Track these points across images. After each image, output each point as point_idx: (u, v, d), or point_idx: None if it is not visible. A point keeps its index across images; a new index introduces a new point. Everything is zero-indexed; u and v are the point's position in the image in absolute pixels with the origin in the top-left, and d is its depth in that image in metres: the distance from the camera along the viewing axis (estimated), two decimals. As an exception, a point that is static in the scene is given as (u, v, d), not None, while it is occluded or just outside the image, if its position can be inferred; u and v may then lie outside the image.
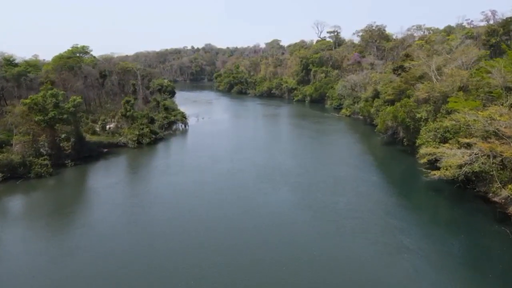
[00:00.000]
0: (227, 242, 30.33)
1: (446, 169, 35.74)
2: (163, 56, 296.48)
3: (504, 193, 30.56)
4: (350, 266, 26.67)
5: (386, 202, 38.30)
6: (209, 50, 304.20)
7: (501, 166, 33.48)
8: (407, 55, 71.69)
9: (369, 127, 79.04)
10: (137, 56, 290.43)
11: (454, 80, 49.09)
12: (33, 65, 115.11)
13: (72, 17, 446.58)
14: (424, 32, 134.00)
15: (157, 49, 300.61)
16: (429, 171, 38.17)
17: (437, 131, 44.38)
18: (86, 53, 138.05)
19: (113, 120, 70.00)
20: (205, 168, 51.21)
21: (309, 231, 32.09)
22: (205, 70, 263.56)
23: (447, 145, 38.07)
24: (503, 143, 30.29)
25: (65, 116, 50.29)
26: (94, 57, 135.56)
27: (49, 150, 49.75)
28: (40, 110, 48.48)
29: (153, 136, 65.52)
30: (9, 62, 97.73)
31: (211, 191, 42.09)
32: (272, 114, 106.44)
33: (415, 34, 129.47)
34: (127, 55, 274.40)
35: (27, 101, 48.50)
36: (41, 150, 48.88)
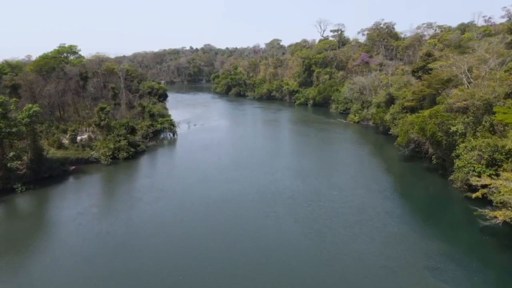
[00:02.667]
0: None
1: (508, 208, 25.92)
2: (160, 57, 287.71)
3: None
4: None
5: (426, 250, 28.43)
6: (208, 50, 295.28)
7: None
8: (429, 54, 61.83)
9: (382, 136, 69.23)
10: (135, 57, 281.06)
11: (499, 84, 39.30)
12: (15, 66, 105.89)
13: (72, 18, 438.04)
14: (435, 30, 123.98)
15: (155, 50, 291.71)
16: (484, 211, 28.25)
17: (483, 150, 34.57)
18: (74, 53, 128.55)
19: (87, 129, 60.18)
20: (191, 193, 41.54)
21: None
22: (203, 71, 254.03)
23: (506, 174, 28.22)
24: None
25: (15, 129, 40.49)
26: (83, 57, 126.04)
27: (-4, 171, 40.04)
28: (-18, 122, 38.83)
29: (132, 149, 55.58)
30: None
31: (198, 232, 32.43)
32: (272, 120, 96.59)
33: (425, 33, 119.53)
34: (124, 55, 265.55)
35: (-37, 112, 38.80)
36: (-16, 172, 39.17)
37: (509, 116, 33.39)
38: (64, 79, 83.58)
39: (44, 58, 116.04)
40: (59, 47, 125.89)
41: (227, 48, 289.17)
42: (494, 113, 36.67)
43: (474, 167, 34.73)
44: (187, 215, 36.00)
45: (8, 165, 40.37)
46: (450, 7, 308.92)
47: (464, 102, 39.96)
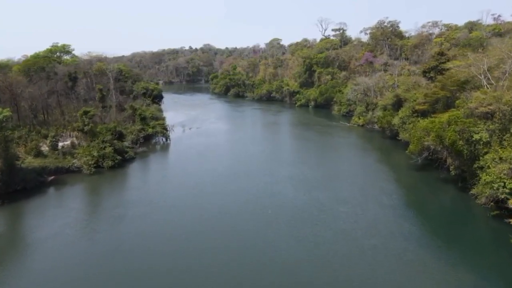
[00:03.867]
0: None
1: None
2: (159, 57, 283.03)
3: None
4: None
5: (454, 282, 23.80)
6: (207, 50, 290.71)
7: None
8: (441, 54, 57.12)
9: (390, 141, 64.57)
10: (133, 57, 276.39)
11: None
12: (4, 66, 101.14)
13: (72, 18, 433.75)
14: (441, 28, 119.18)
15: (155, 50, 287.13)
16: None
17: (514, 163, 29.92)
18: (68, 52, 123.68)
19: (71, 135, 55.46)
20: (182, 208, 36.99)
21: None
22: (202, 71, 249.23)
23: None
24: None
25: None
26: (77, 57, 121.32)
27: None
28: None
29: (119, 157, 50.82)
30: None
31: (187, 253, 27.94)
32: (272, 123, 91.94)
33: (430, 31, 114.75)
34: (123, 55, 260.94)
35: None
36: None
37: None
38: (54, 79, 79.05)
39: (35, 57, 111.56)
40: (52, 46, 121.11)
41: (226, 48, 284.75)
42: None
43: (505, 182, 30.05)
44: (176, 234, 31.41)
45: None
46: (450, 6, 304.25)
47: (490, 107, 35.25)
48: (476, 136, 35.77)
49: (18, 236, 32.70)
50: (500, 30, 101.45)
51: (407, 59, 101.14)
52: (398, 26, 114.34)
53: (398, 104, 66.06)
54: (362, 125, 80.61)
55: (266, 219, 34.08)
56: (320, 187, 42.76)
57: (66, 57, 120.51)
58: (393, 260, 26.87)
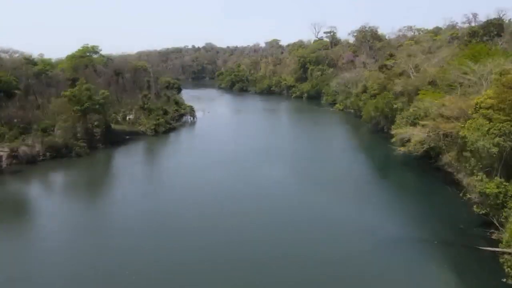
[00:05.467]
0: None
1: (409, 146, 45.07)
2: (165, 55, 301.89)
3: (446, 159, 39.93)
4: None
5: (364, 172, 47.94)
6: (210, 49, 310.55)
7: (451, 142, 42.78)
8: (391, 55, 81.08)
9: (358, 119, 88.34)
10: (140, 55, 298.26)
11: (425, 76, 58.48)
12: (49, 64, 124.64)
13: (73, 17, 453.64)
14: (414, 32, 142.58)
15: (158, 48, 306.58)
16: (398, 148, 47.60)
17: (408, 117, 53.70)
18: (96, 52, 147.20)
19: (131, 112, 79.31)
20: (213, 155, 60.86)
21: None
22: (206, 68, 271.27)
23: (411, 127, 47.47)
24: (445, 122, 39.47)
25: (96, 106, 59.63)
26: (103, 56, 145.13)
27: (84, 135, 59.09)
28: (77, 101, 57.80)
29: (168, 126, 74.95)
30: (29, 61, 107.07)
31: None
32: (272, 109, 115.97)
33: (406, 35, 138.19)
34: (129, 54, 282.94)
35: (67, 93, 57.91)
36: (78, 135, 58.20)
37: (426, 96, 52.22)
38: (103, 74, 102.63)
39: (73, 57, 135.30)
40: (83, 47, 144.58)
41: (228, 47, 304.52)
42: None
43: (402, 127, 53.87)
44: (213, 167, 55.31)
45: (94, 131, 59.80)
46: (442, 11, 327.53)
47: (402, 88, 59.27)
48: (395, 106, 59.74)
49: (121, 163, 56.67)
50: (458, 35, 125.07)
51: (382, 58, 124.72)
52: (376, 31, 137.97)
53: (364, 92, 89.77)
54: (342, 110, 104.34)
55: (263, 156, 58.05)
56: (306, 143, 67.04)
57: (95, 56, 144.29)
58: (342, 175, 50.92)
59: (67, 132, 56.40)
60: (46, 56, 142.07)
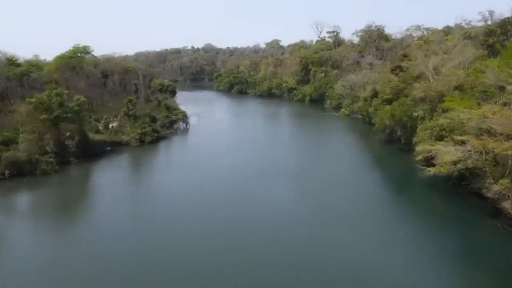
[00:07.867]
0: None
1: (441, 166, 36.83)
2: (163, 56, 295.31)
3: (496, 188, 31.67)
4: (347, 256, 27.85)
5: (382, 196, 39.54)
6: (209, 50, 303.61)
7: (494, 163, 34.61)
8: (405, 55, 72.87)
9: (367, 126, 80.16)
10: (138, 56, 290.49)
11: (450, 79, 50.25)
12: (35, 65, 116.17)
13: (72, 17, 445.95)
14: (423, 32, 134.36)
15: (157, 49, 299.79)
16: (425, 167, 39.27)
17: (433, 129, 45.46)
18: (88, 53, 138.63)
19: (115, 119, 71.09)
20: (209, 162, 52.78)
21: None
22: (205, 70, 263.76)
23: (442, 142, 39.19)
24: (495, 140, 31.43)
25: (69, 115, 51.48)
26: (95, 57, 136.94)
27: (54, 148, 50.92)
28: (45, 109, 49.63)
29: (155, 135, 66.64)
30: (12, 62, 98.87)
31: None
32: (272, 114, 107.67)
33: (414, 34, 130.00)
34: (127, 55, 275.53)
35: (33, 100, 49.69)
36: (46, 148, 50.07)
37: (453, 103, 44.09)
38: (84, 76, 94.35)
39: (62, 58, 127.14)
40: (74, 47, 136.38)
41: (227, 47, 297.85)
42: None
43: (426, 141, 45.55)
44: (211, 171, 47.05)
45: (66, 143, 51.42)
46: (443, 9, 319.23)
47: (423, 93, 50.97)
48: (415, 114, 51.45)
49: (97, 181, 48.41)
50: (470, 34, 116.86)
51: (392, 59, 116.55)
52: (383, 30, 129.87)
53: (374, 96, 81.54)
54: (348, 115, 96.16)
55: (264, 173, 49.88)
56: (313, 157, 58.70)
57: (86, 57, 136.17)
58: (352, 195, 42.61)
59: (33, 146, 48.20)
60: (42, 58, 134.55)
